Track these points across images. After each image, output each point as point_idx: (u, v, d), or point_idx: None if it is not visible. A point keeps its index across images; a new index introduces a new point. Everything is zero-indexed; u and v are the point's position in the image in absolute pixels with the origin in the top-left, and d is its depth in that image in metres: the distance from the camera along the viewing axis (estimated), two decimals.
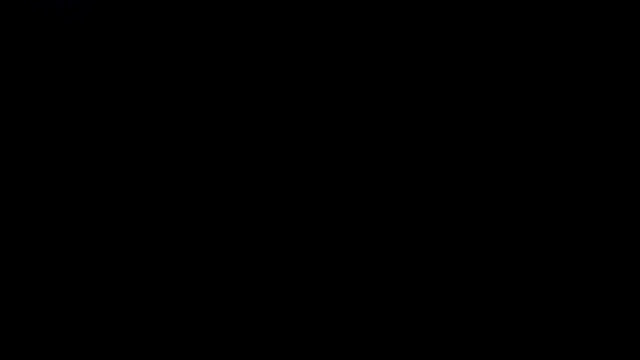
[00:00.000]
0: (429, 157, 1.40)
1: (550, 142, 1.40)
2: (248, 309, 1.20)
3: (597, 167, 1.35)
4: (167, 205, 1.34)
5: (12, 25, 1.65)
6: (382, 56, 1.56)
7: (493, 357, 1.14)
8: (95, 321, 1.19)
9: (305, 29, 1.62)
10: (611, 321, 1.17)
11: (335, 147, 1.42)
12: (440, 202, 1.33)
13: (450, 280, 1.23)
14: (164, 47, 1.60)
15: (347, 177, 1.38)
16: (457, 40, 1.56)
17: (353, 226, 1.31)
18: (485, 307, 1.19)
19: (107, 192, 1.36)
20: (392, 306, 1.20)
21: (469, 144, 1.41)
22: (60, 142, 1.44)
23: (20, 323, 1.18)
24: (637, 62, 1.48)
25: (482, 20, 1.58)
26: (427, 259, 1.26)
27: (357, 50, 1.58)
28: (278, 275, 1.24)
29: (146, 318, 1.19)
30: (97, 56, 1.59)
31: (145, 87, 1.54)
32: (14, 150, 1.42)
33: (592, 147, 1.38)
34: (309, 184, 1.37)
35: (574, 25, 1.55)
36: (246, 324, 1.19)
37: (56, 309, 1.20)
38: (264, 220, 1.32)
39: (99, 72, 1.56)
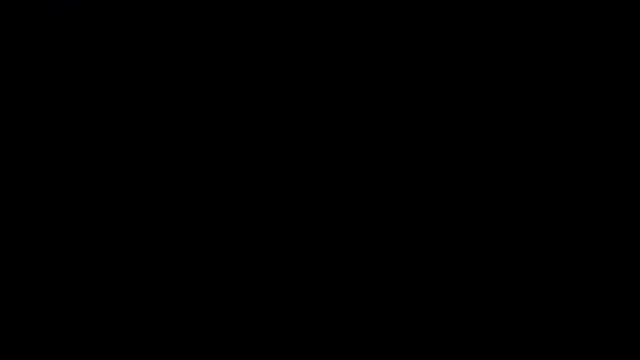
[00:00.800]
0: (428, 156, 1.40)
1: (550, 142, 1.40)
2: (248, 309, 1.20)
3: (597, 167, 1.35)
4: (166, 205, 1.34)
5: (12, 25, 1.65)
6: (382, 56, 1.56)
7: (493, 357, 1.14)
8: (95, 321, 1.19)
9: (305, 29, 1.62)
10: (611, 321, 1.17)
11: (335, 147, 1.43)
12: (440, 202, 1.33)
13: (450, 280, 1.23)
14: (164, 47, 1.60)
15: (347, 177, 1.38)
16: (457, 41, 1.57)
17: (353, 226, 1.31)
18: (485, 307, 1.19)
19: (107, 191, 1.36)
20: (392, 306, 1.20)
21: (469, 144, 1.41)
22: (61, 141, 1.44)
23: (20, 323, 1.18)
24: (637, 62, 1.48)
25: (482, 20, 1.58)
26: (426, 258, 1.26)
27: (357, 50, 1.58)
28: (278, 275, 1.24)
29: (146, 318, 1.19)
30: (97, 56, 1.59)
31: (145, 87, 1.54)
32: (14, 150, 1.42)
33: (592, 147, 1.38)
34: (308, 184, 1.37)
35: (574, 26, 1.55)
36: (246, 324, 1.19)
37: (56, 309, 1.20)
38: (263, 220, 1.32)
39: (99, 72, 1.56)
